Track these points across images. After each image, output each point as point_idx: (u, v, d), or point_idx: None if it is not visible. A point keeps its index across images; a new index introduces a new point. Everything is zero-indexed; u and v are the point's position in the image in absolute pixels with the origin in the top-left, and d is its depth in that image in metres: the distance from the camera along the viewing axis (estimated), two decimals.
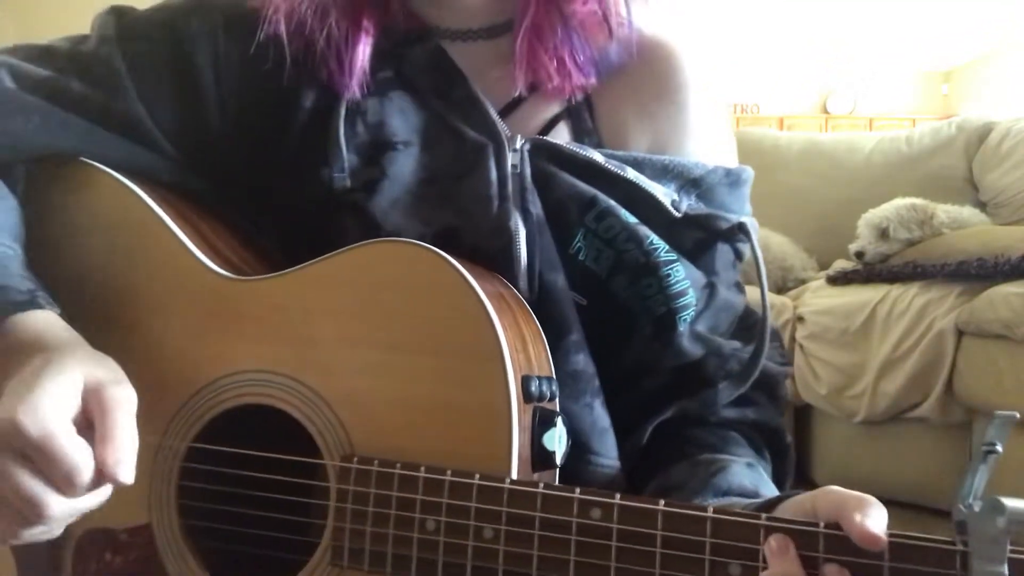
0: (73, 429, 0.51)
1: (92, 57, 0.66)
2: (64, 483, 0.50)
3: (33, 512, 0.51)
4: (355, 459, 0.55)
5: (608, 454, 0.63)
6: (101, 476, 0.51)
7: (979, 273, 1.82)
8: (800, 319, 2.17)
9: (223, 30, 0.67)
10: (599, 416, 0.63)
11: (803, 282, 2.41)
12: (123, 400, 0.53)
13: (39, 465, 0.50)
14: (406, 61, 0.68)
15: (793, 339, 2.17)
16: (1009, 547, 0.42)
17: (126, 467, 0.51)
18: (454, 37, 0.70)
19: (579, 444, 0.61)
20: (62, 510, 0.51)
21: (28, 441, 0.49)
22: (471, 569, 0.51)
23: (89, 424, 0.52)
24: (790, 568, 0.45)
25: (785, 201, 2.70)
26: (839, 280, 2.20)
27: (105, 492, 0.54)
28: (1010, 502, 0.41)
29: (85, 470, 0.50)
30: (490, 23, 0.70)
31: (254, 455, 0.59)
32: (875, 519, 0.44)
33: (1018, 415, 0.45)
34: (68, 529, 0.59)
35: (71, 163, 0.67)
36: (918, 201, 2.24)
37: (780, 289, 2.42)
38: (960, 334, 1.83)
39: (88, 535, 0.62)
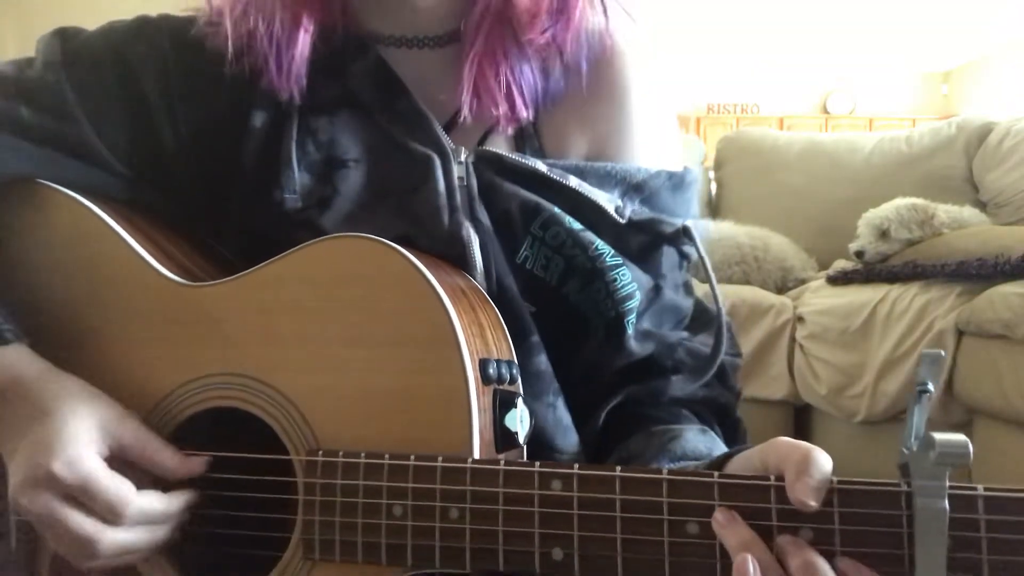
0: (105, 464, 0.56)
1: (39, 83, 0.66)
2: (112, 514, 0.55)
3: (88, 546, 0.55)
4: (320, 452, 0.56)
5: (570, 450, 0.65)
6: (168, 481, 0.58)
7: (979, 273, 1.82)
8: (800, 319, 2.17)
9: (171, 55, 0.67)
10: (562, 415, 0.65)
11: (803, 282, 2.41)
12: (136, 430, 0.59)
13: (86, 503, 0.54)
14: (351, 77, 0.67)
15: (793, 339, 2.17)
16: (949, 483, 0.43)
17: (187, 463, 0.59)
18: (399, 44, 0.69)
19: (542, 442, 0.62)
20: (115, 541, 0.55)
21: (70, 486, 0.54)
22: (439, 550, 0.52)
23: (113, 459, 0.57)
24: (743, 534, 0.46)
25: (785, 201, 2.70)
26: (839, 280, 2.20)
27: (156, 532, 0.58)
28: (941, 436, 0.43)
29: (130, 497, 0.55)
30: (436, 32, 0.69)
31: (221, 456, 0.60)
32: (806, 484, 0.44)
33: (944, 353, 0.45)
34: (44, 544, 0.62)
35: (23, 183, 0.66)
36: (918, 201, 2.23)
37: (780, 289, 2.41)
38: (960, 334, 1.83)
39: None
